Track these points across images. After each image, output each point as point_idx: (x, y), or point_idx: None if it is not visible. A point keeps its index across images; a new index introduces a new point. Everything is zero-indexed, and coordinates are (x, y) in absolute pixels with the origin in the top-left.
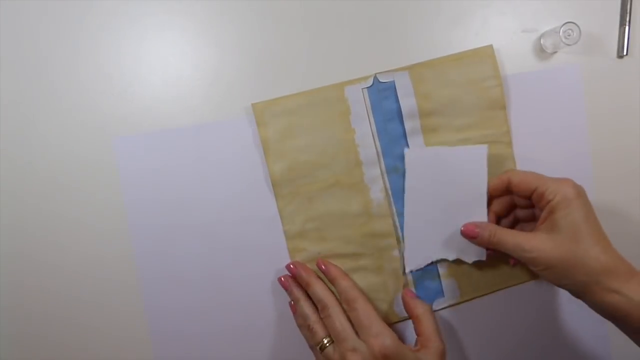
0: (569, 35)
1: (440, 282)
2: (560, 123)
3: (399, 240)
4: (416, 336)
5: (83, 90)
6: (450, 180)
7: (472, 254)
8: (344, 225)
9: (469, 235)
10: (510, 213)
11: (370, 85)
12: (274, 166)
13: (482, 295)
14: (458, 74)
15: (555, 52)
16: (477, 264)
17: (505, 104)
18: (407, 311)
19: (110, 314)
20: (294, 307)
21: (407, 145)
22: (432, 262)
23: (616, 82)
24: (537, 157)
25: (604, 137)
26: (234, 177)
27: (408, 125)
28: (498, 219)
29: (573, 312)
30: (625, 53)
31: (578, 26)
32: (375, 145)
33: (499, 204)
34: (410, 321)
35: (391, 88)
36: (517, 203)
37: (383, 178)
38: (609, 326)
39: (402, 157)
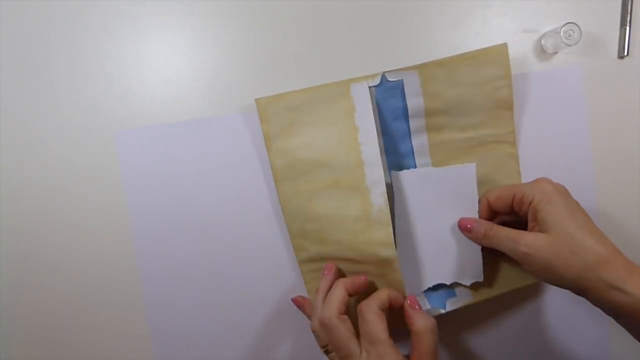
0: (569, 36)
1: None
2: (560, 123)
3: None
4: (412, 349)
5: (84, 90)
6: (441, 202)
7: (469, 275)
8: (341, 230)
9: (464, 228)
10: None
11: (378, 84)
12: (275, 163)
13: (496, 295)
14: (469, 73)
15: (556, 53)
16: (489, 264)
17: (512, 104)
18: (406, 322)
19: (109, 312)
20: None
21: (412, 144)
22: (429, 288)
23: (617, 82)
24: (537, 157)
25: (604, 138)
26: (234, 174)
27: (413, 124)
28: None
29: (573, 313)
30: (626, 53)
31: (579, 27)
32: (380, 145)
33: None
34: None
35: (399, 87)
36: (505, 221)
37: (385, 180)
38: (610, 327)
39: (405, 156)
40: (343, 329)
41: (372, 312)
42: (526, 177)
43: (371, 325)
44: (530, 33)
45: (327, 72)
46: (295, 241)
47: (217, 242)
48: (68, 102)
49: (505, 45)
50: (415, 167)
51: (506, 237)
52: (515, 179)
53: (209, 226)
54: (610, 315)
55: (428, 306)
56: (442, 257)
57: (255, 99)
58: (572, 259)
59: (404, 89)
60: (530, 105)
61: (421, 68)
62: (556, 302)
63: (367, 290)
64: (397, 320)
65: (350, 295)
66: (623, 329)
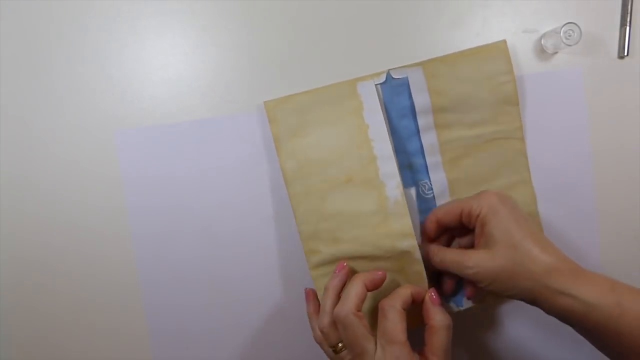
0: (569, 36)
1: None
2: (560, 123)
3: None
4: (424, 344)
5: (84, 90)
6: None
7: (452, 304)
8: (358, 226)
9: (426, 259)
10: (450, 245)
11: (384, 82)
12: (285, 164)
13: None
14: (471, 69)
15: (556, 53)
16: None
17: (518, 99)
18: (423, 315)
19: (109, 312)
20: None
21: (421, 142)
22: None
23: (617, 82)
24: (537, 158)
25: (604, 138)
26: (234, 174)
27: (421, 121)
28: None
29: None
30: (626, 54)
31: (579, 27)
32: (390, 140)
33: (439, 242)
34: None
35: (404, 84)
36: (455, 235)
37: (400, 173)
38: None
39: (415, 154)
40: (361, 326)
41: (394, 311)
42: None
43: (391, 325)
44: (530, 33)
45: (327, 72)
46: (307, 244)
47: (217, 242)
48: (68, 102)
49: (504, 41)
50: (426, 165)
51: (451, 260)
52: (525, 175)
53: (208, 226)
54: (565, 322)
55: (445, 302)
56: None
57: (264, 102)
58: (518, 270)
59: (409, 86)
60: (530, 105)
61: (425, 64)
62: None
63: (387, 287)
64: (411, 318)
65: (368, 290)
66: None
